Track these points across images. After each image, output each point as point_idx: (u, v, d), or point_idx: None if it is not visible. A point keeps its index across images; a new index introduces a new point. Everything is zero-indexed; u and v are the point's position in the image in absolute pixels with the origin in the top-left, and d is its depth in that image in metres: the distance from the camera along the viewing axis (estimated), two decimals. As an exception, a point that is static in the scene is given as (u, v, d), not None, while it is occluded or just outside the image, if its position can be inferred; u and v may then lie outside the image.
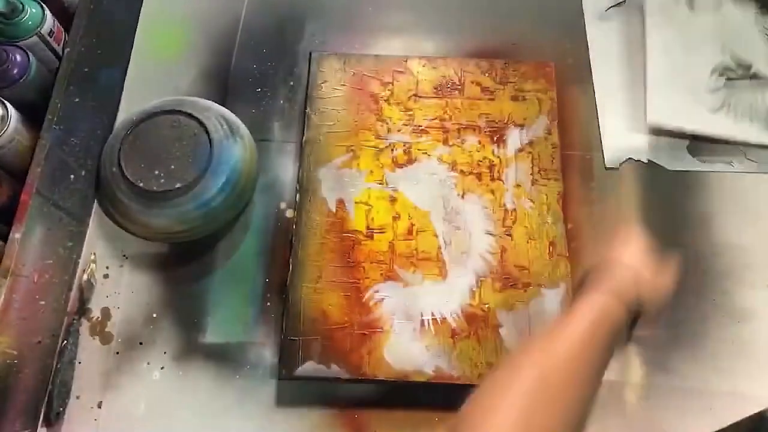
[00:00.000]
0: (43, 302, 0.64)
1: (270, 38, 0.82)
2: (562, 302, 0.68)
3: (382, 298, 0.68)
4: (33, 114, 0.66)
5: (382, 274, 0.69)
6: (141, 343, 0.68)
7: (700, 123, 0.76)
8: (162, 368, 0.67)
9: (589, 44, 0.82)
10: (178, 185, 0.66)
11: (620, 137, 0.77)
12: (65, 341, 0.67)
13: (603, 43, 0.82)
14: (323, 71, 0.78)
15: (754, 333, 0.68)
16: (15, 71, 0.65)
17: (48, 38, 0.69)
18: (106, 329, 0.68)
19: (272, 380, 0.67)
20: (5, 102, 0.63)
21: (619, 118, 0.78)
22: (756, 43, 0.81)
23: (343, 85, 0.78)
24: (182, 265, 0.71)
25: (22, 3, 0.66)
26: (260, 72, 0.80)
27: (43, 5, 0.69)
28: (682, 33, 0.80)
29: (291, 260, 0.69)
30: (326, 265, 0.69)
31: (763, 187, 0.75)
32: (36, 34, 0.67)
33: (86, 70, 0.70)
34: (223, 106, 0.75)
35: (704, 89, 0.78)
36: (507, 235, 0.71)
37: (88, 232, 0.72)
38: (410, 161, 0.74)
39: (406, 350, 0.66)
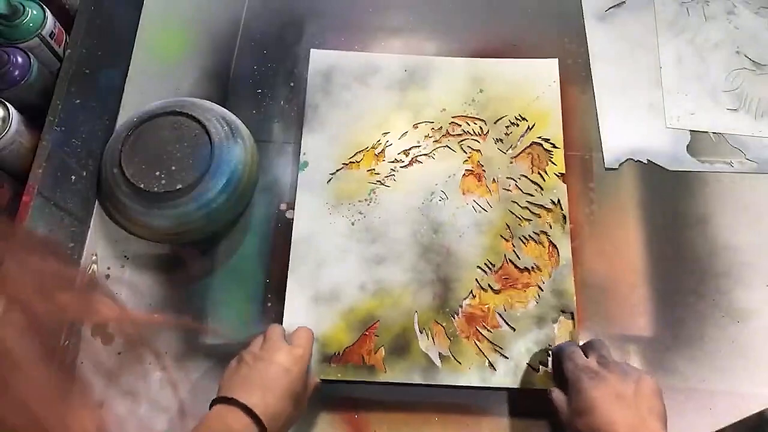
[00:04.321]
0: (44, 303, 0.64)
1: (270, 39, 0.82)
2: (562, 302, 0.68)
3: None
4: (34, 115, 0.66)
5: (382, 274, 0.69)
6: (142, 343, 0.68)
7: (720, 123, 0.76)
8: (163, 368, 0.67)
9: (589, 44, 0.82)
10: (178, 186, 0.67)
11: (620, 137, 0.77)
12: (67, 341, 0.67)
13: (603, 43, 0.82)
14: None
15: (754, 333, 0.69)
16: (16, 73, 0.65)
17: (49, 40, 0.69)
18: (108, 329, 0.68)
19: (273, 380, 0.67)
20: (6, 103, 0.63)
21: (619, 118, 0.78)
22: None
23: (344, 85, 0.78)
24: (183, 265, 0.71)
25: (23, 5, 0.66)
26: (261, 73, 0.80)
27: (44, 7, 0.69)
28: (695, 42, 0.80)
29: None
30: (326, 266, 0.69)
31: (763, 187, 0.75)
32: (37, 35, 0.67)
33: (87, 71, 0.71)
34: (224, 107, 0.75)
35: (721, 89, 0.78)
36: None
37: (89, 233, 0.72)
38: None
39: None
